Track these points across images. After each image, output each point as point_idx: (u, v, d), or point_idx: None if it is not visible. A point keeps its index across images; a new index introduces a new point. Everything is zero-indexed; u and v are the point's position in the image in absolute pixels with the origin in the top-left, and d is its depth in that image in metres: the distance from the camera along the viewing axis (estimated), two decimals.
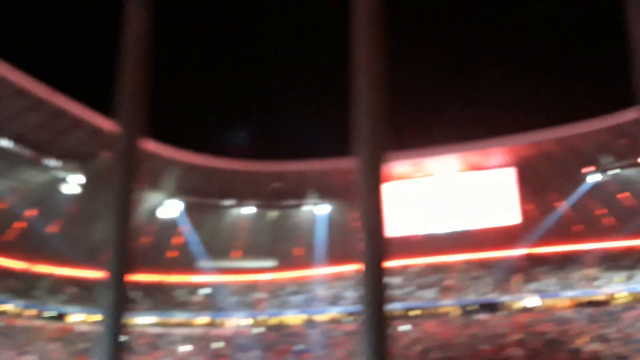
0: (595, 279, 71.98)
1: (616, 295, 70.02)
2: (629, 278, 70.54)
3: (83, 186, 66.14)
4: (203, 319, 77.10)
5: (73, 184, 66.05)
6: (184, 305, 77.33)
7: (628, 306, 68.74)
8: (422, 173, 78.24)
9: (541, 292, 72.53)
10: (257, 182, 74.80)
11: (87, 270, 74.05)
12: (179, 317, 75.98)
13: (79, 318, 72.61)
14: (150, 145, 66.64)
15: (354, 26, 4.22)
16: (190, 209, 75.40)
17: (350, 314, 75.89)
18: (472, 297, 74.30)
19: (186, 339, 73.95)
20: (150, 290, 77.84)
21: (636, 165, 68.53)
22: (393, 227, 78.73)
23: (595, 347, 64.73)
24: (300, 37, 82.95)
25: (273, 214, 79.15)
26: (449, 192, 77.81)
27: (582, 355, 64.14)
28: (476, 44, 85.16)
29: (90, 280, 74.80)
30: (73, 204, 68.66)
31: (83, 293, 73.53)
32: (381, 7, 4.46)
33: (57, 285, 73.78)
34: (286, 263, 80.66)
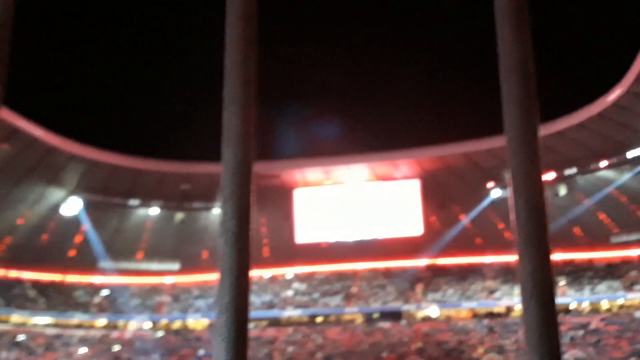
0: (494, 291, 74.01)
1: (515, 308, 72.14)
2: None
3: None
4: (103, 321, 75.15)
5: None
6: (83, 307, 75.15)
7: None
8: (332, 181, 78.87)
9: (442, 302, 74.03)
10: (164, 183, 73.62)
11: None
12: (77, 318, 73.82)
13: None
14: (52, 139, 64.88)
15: (228, 24, 4.13)
16: (92, 207, 73.42)
17: (256, 319, 75.67)
18: (376, 305, 75.13)
19: (85, 341, 71.92)
20: (49, 289, 75.60)
21: None
22: (301, 233, 79.27)
23: (492, 357, 66.60)
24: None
25: (180, 215, 78.05)
26: (357, 201, 78.67)
27: None
28: (388, 55, 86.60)
29: None
30: None
31: None
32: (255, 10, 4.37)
33: None
34: (191, 266, 79.55)
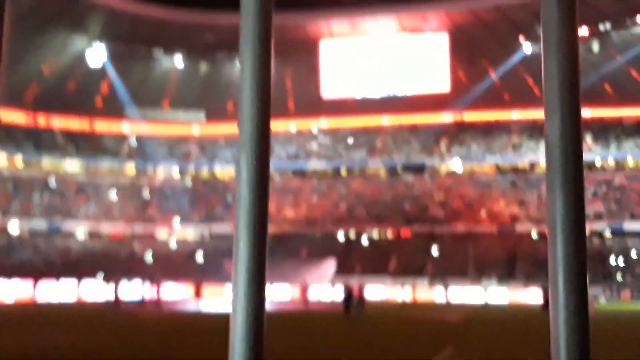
0: (519, 146, 74.26)
1: (539, 163, 72.64)
2: None
3: None
4: (132, 167, 76.64)
5: None
6: (112, 153, 76.53)
7: None
8: (358, 33, 77.54)
9: (466, 157, 74.50)
10: (188, 33, 72.67)
11: (7, 110, 72.21)
12: (107, 164, 75.26)
13: (2, 160, 71.17)
14: None
15: None
16: (117, 57, 73.15)
17: (280, 170, 76.96)
18: (400, 159, 75.80)
19: (115, 187, 73.87)
20: (77, 136, 76.57)
21: None
22: (327, 88, 78.84)
23: (513, 210, 67.92)
24: None
25: (204, 66, 77.71)
26: (383, 54, 77.60)
27: (500, 218, 67.29)
28: None
29: (11, 122, 73.00)
30: None
31: (5, 133, 71.79)
32: None
33: None
34: (217, 117, 80.00)
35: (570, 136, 0.75)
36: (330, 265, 62.28)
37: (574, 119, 0.75)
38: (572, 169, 0.74)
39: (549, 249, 0.80)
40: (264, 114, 0.86)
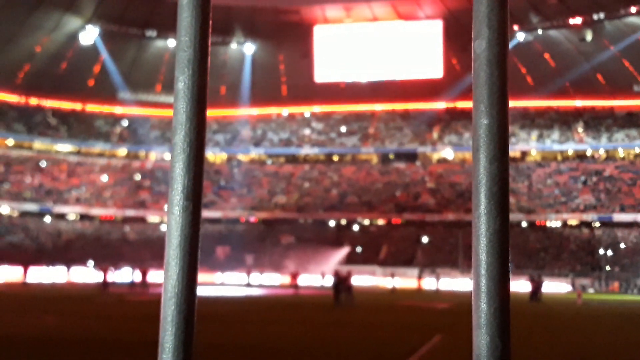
0: (511, 135, 74.40)
1: (530, 153, 72.93)
2: (542, 137, 73.32)
3: None
4: (124, 150, 76.50)
5: None
6: (104, 136, 76.27)
7: (539, 164, 71.93)
8: (353, 19, 77.31)
9: (458, 145, 74.62)
10: None
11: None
12: (99, 147, 75.08)
13: None
14: None
15: None
16: (109, 37, 72.66)
17: (273, 155, 76.97)
18: (392, 146, 75.89)
19: (106, 169, 73.73)
20: (70, 118, 76.30)
21: (563, 26, 69.38)
22: (320, 72, 78.62)
23: None
24: None
25: None
26: (378, 41, 77.32)
27: None
28: None
29: (4, 102, 72.67)
30: None
31: None
32: None
33: None
34: (210, 101, 79.24)
35: (497, 128, 0.74)
36: (343, 252, 62.58)
37: (501, 108, 0.74)
38: (497, 160, 0.73)
39: (472, 236, 0.80)
40: (199, 101, 0.83)
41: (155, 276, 54.41)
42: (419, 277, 56.87)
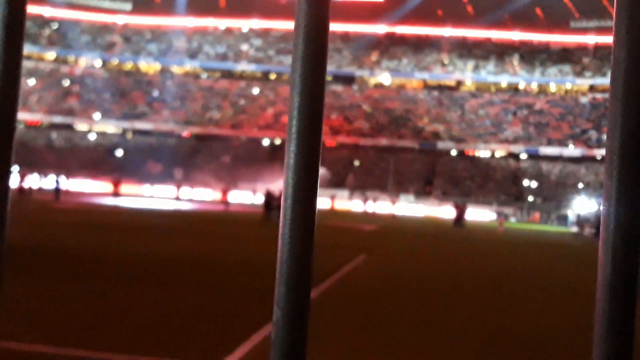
0: (447, 64, 75.16)
1: (465, 82, 73.91)
2: (478, 68, 74.26)
3: None
4: (52, 54, 74.17)
5: None
6: (32, 38, 73.65)
7: (473, 94, 73.08)
8: None
9: (395, 71, 75.08)
10: None
11: None
12: (26, 50, 72.54)
13: None
14: None
15: None
16: None
17: (208, 69, 75.83)
18: (330, 68, 75.52)
19: (34, 73, 71.53)
20: None
21: None
22: None
23: (435, 127, 69.35)
24: None
25: None
26: None
27: (423, 134, 68.70)
28: None
29: None
30: None
31: None
32: None
33: None
34: (145, 8, 77.60)
35: (311, 113, 0.73)
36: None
37: (317, 92, 0.72)
38: (310, 135, 0.73)
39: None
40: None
41: (84, 186, 53.94)
42: (349, 199, 57.90)
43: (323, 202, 55.43)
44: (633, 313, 0.74)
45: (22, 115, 66.62)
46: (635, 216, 0.71)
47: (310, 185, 0.88)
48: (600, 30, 71.06)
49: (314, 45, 0.87)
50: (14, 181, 42.60)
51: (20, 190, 39.87)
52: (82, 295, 10.30)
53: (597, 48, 71.96)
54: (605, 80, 69.93)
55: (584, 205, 52.88)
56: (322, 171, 40.34)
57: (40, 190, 42.08)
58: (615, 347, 0.74)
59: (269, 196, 33.48)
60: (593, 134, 65.35)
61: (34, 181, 43.59)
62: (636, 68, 0.70)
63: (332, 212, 49.34)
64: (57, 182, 38.33)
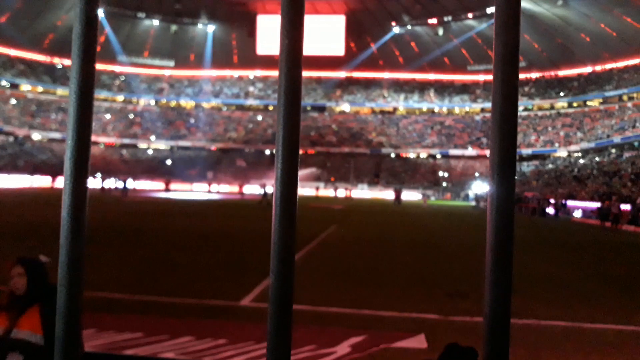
0: (387, 96, 75.34)
1: (399, 108, 74.08)
2: (407, 98, 74.51)
3: None
4: (121, 97, 73.44)
5: None
6: (107, 87, 72.89)
7: (405, 116, 73.32)
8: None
9: (353, 102, 75.05)
10: (162, 2, 68.71)
11: (32, 53, 67.53)
12: (104, 94, 71.76)
13: (28, 88, 66.92)
14: None
15: None
16: (112, 17, 68.59)
17: (227, 104, 75.33)
18: (309, 101, 75.60)
19: (109, 110, 70.79)
20: None
21: (424, 24, 69.80)
22: (261, 46, 76.55)
23: (380, 139, 69.48)
24: None
25: (174, 27, 74.03)
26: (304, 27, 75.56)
27: (372, 144, 68.81)
28: None
29: (35, 61, 68.31)
30: None
31: (30, 69, 67.17)
32: None
33: (9, 63, 66.56)
34: (183, 64, 77.05)
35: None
36: (311, 171, 62.23)
37: (294, 118, 0.90)
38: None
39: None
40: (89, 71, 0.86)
41: (145, 185, 53.52)
42: (325, 188, 57.92)
43: (310, 191, 55.53)
44: (511, 261, 0.76)
45: (102, 139, 65.94)
46: (507, 193, 0.73)
47: (292, 180, 0.84)
48: (487, 71, 71.74)
49: (292, 86, 0.84)
50: (96, 183, 42.46)
51: (102, 189, 39.58)
52: (145, 259, 10.37)
53: (486, 83, 72.69)
54: (486, 105, 70.56)
55: (479, 187, 53.34)
56: (314, 169, 39.92)
57: (115, 189, 41.68)
58: (500, 285, 0.75)
59: (264, 188, 33.60)
60: (484, 140, 66.02)
61: (110, 183, 43.21)
62: (503, 98, 0.74)
63: (316, 197, 49.47)
64: (125, 183, 38.11)
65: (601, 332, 6.29)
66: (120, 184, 40.99)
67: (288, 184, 0.84)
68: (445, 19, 67.73)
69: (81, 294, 0.81)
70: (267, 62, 76.41)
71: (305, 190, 56.60)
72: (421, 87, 75.39)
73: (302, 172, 61.36)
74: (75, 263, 0.80)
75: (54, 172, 47.65)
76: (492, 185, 0.75)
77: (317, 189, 56.42)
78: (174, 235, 14.57)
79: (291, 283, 0.80)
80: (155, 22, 72.40)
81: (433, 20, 68.36)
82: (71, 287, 0.79)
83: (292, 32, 0.84)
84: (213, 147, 68.64)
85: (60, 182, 41.43)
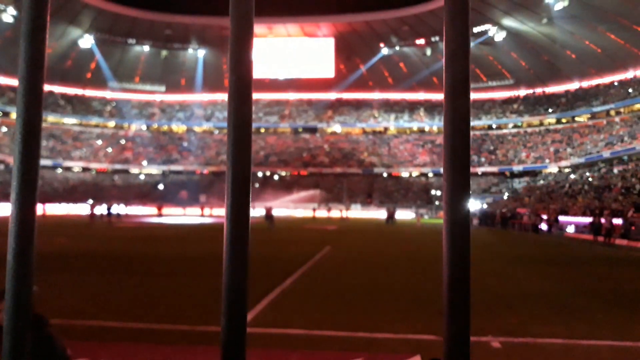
0: (377, 117, 75.84)
1: (390, 128, 74.54)
2: (397, 118, 75.04)
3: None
4: (112, 123, 73.44)
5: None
6: (99, 113, 72.93)
7: (396, 136, 73.74)
8: (273, 34, 75.99)
9: (344, 123, 75.48)
10: (153, 28, 69.27)
11: None
12: (95, 120, 71.78)
13: None
14: None
15: None
16: (102, 43, 68.96)
17: (219, 127, 75.54)
18: (301, 122, 75.93)
19: (101, 136, 70.69)
20: (73, 99, 72.60)
21: (412, 45, 70.68)
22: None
23: (372, 159, 69.73)
24: None
25: (164, 52, 74.47)
26: (290, 49, 76.50)
27: (364, 164, 69.02)
28: None
29: None
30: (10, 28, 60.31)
31: None
32: None
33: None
34: (174, 89, 77.35)
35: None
36: (314, 193, 62.09)
37: (245, 133, 0.86)
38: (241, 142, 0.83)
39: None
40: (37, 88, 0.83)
41: (137, 210, 53.15)
42: (319, 209, 57.81)
43: (298, 212, 55.30)
44: (468, 272, 0.78)
45: (93, 165, 65.69)
46: (462, 222, 0.75)
47: (243, 209, 0.83)
48: (475, 89, 72.43)
49: (241, 119, 0.83)
50: (86, 210, 41.94)
51: (92, 216, 38.54)
52: (135, 285, 10.23)
53: (475, 102, 73.29)
54: (476, 123, 71.24)
55: (472, 205, 53.38)
56: (317, 191, 39.52)
57: (107, 215, 41.26)
58: (458, 304, 0.77)
59: (267, 210, 33.17)
60: (475, 158, 66.31)
61: (101, 210, 42.66)
62: (454, 130, 0.74)
63: (305, 219, 49.29)
64: (112, 209, 37.43)
65: (598, 348, 6.25)
66: (112, 210, 40.55)
67: (240, 200, 0.82)
68: (433, 39, 68.60)
69: (28, 318, 0.81)
70: (257, 84, 76.87)
71: (299, 211, 56.49)
72: (411, 107, 75.98)
73: (303, 194, 61.46)
74: (23, 289, 0.79)
75: (44, 200, 47.30)
76: (446, 211, 0.75)
77: (314, 210, 56.27)
78: (164, 259, 14.41)
79: (245, 297, 0.79)
80: (146, 48, 72.74)
81: (421, 41, 69.21)
82: (18, 312, 0.79)
83: (240, 68, 0.82)
84: (205, 171, 68.53)
85: (50, 209, 40.65)
